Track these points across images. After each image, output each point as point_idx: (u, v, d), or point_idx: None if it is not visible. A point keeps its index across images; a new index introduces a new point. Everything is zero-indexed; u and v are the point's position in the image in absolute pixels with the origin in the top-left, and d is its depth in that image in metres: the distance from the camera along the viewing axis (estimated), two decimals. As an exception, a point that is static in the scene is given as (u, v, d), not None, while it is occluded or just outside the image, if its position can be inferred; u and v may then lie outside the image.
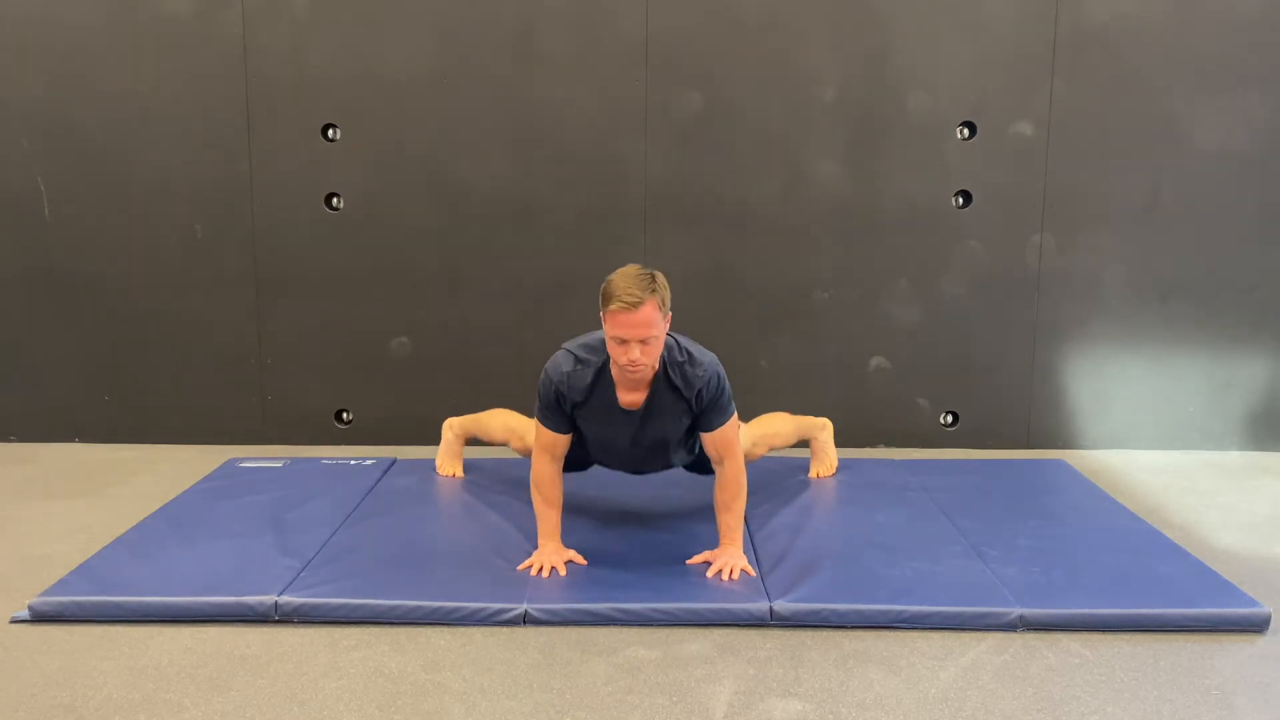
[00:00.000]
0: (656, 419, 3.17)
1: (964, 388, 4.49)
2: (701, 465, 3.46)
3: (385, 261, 4.40)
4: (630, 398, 3.13)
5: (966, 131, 4.32)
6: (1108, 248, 4.38)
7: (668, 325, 3.02)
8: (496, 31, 4.26)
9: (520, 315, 4.43)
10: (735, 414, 3.19)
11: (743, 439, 3.38)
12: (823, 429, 4.00)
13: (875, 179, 4.35)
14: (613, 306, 2.92)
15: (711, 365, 3.13)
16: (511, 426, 3.79)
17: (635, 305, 2.89)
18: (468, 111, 4.30)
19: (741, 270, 4.40)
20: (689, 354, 3.12)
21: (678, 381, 3.10)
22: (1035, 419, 4.51)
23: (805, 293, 4.43)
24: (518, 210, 4.37)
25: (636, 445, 3.25)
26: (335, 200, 4.37)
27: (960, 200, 4.37)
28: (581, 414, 3.18)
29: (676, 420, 3.19)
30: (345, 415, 4.53)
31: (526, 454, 3.61)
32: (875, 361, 4.48)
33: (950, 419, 4.52)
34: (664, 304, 2.97)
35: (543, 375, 3.16)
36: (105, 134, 4.32)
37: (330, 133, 4.32)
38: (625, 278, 2.95)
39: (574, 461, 3.40)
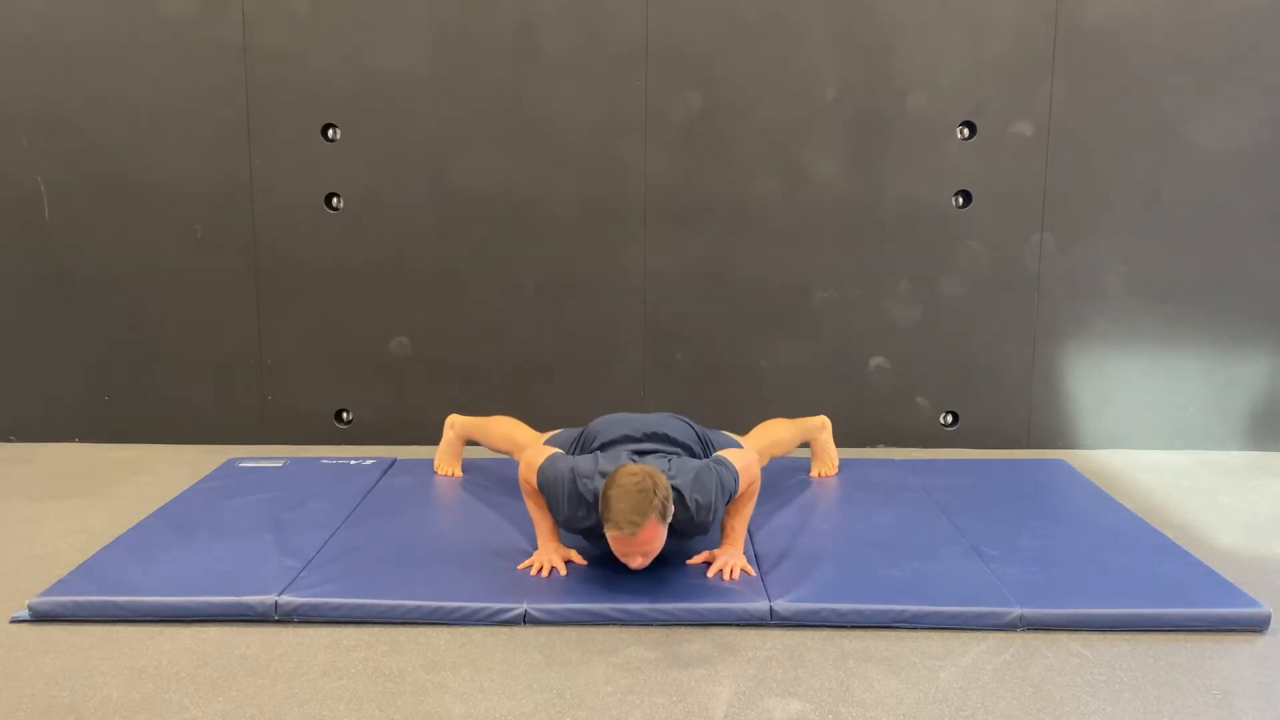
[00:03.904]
0: (661, 554, 3.06)
1: (964, 388, 4.49)
2: None
3: (385, 261, 4.40)
4: None
5: (966, 131, 4.32)
6: (1108, 248, 4.38)
7: (670, 518, 2.90)
8: (496, 31, 4.26)
9: (520, 315, 4.43)
10: (737, 473, 3.08)
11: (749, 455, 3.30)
12: (822, 429, 3.99)
13: (875, 179, 4.35)
14: (611, 532, 2.84)
15: (715, 496, 2.99)
16: (515, 440, 3.70)
17: (634, 532, 2.81)
18: (468, 111, 4.30)
19: (741, 270, 4.40)
20: (691, 502, 2.97)
21: (685, 528, 3.03)
22: (1035, 419, 4.51)
23: (805, 293, 4.43)
24: (518, 210, 4.37)
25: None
26: (335, 200, 4.37)
27: (960, 200, 4.37)
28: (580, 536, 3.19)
29: (684, 545, 3.17)
30: (345, 415, 4.52)
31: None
32: (875, 361, 4.48)
33: (950, 419, 4.52)
34: (665, 516, 2.86)
35: (547, 480, 3.05)
36: (105, 134, 4.32)
37: (330, 133, 4.32)
38: (625, 496, 2.80)
39: None
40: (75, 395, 4.49)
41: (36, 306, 4.43)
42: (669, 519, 2.90)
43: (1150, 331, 4.44)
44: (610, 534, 2.86)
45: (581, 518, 3.03)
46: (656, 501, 2.82)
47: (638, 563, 2.92)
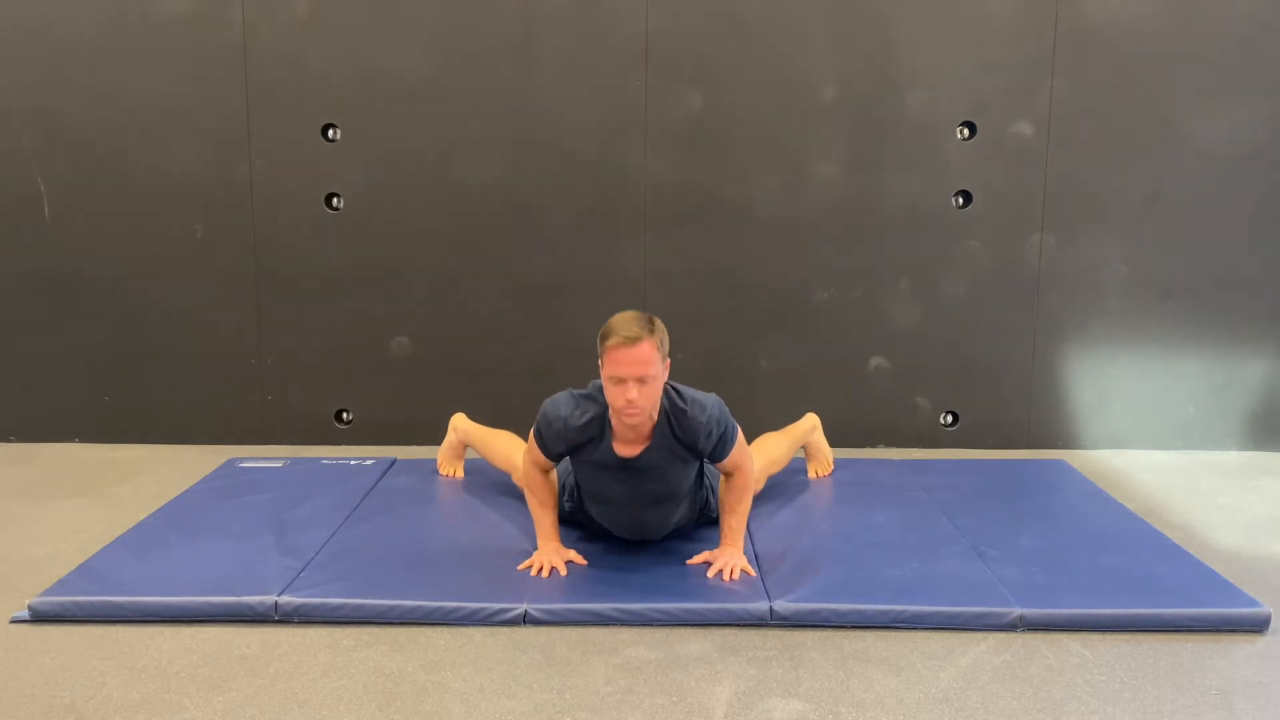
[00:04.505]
0: (658, 472, 3.09)
1: (964, 388, 4.49)
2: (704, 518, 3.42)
3: (385, 261, 4.40)
4: (628, 449, 3.06)
5: (966, 131, 4.32)
6: (1108, 247, 4.38)
7: (666, 372, 2.97)
8: (496, 31, 4.26)
9: (520, 315, 4.43)
10: (740, 435, 3.12)
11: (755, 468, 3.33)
12: (813, 429, 3.98)
13: (875, 179, 4.35)
14: (611, 342, 2.88)
15: (714, 407, 3.04)
16: (514, 461, 3.66)
17: (634, 341, 2.85)
18: (468, 111, 4.30)
19: (741, 270, 4.40)
20: (689, 400, 3.04)
21: (679, 430, 3.03)
22: (1035, 419, 4.51)
23: (805, 293, 4.43)
24: (518, 210, 4.37)
25: (636, 501, 3.17)
26: (335, 200, 4.37)
27: (960, 200, 4.37)
28: (577, 459, 3.15)
29: (680, 471, 3.13)
30: (345, 415, 4.52)
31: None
32: (875, 361, 4.48)
33: (950, 419, 4.52)
34: (662, 346, 2.93)
35: (541, 412, 3.10)
36: (105, 134, 4.32)
37: (330, 133, 4.32)
38: (624, 317, 2.93)
39: (573, 525, 3.39)
40: (75, 395, 4.49)
41: (36, 306, 4.43)
42: (665, 355, 2.95)
43: (1150, 331, 4.44)
44: (609, 348, 2.88)
45: (580, 415, 3.04)
46: (654, 327, 2.92)
47: (632, 395, 2.87)
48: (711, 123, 4.32)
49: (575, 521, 3.39)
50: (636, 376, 2.87)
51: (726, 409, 3.09)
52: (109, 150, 4.33)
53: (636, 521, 3.25)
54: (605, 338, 2.91)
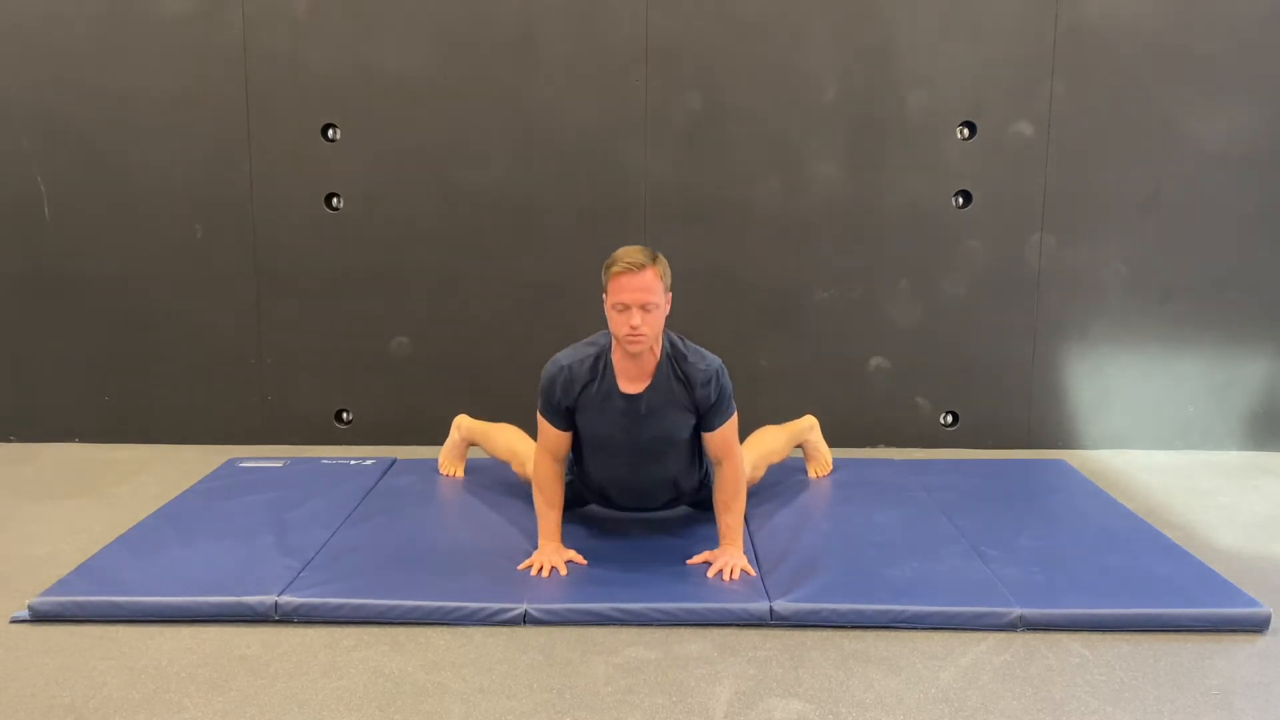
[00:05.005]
0: (657, 415, 3.15)
1: (964, 388, 4.49)
2: (704, 499, 3.44)
3: (385, 261, 4.40)
4: (631, 386, 3.13)
5: (966, 131, 4.32)
6: (1108, 248, 4.38)
7: (668, 307, 3.06)
8: (497, 31, 4.26)
9: (520, 315, 4.43)
10: (735, 415, 3.20)
11: (745, 463, 3.38)
12: (811, 429, 3.98)
13: (875, 179, 4.35)
14: (616, 269, 2.99)
15: (714, 361, 3.17)
16: (515, 450, 3.73)
17: (638, 268, 2.97)
18: (468, 111, 4.30)
19: (741, 270, 4.40)
20: (691, 349, 3.17)
21: (680, 373, 3.13)
22: (1035, 419, 4.51)
23: (805, 293, 4.43)
24: (518, 210, 4.37)
25: (635, 447, 3.21)
26: (335, 200, 4.37)
27: (960, 200, 4.37)
28: (581, 405, 3.17)
29: (678, 418, 3.17)
30: (345, 415, 4.52)
31: (527, 480, 3.58)
32: (875, 361, 4.48)
33: (950, 419, 4.52)
34: (665, 277, 3.04)
35: (543, 371, 3.19)
36: (105, 134, 4.32)
37: (330, 133, 4.32)
38: (628, 248, 3.05)
39: (572, 499, 3.43)
40: (75, 395, 4.49)
41: (36, 306, 4.43)
42: (668, 288, 3.05)
43: (1150, 331, 4.44)
44: (614, 274, 2.98)
45: (581, 361, 3.14)
46: (658, 259, 3.03)
47: (636, 321, 2.96)
48: (711, 123, 4.32)
49: (574, 497, 3.43)
50: (640, 303, 2.96)
51: (728, 375, 3.18)
52: (109, 150, 4.33)
53: (635, 476, 3.29)
54: (610, 266, 3.01)
